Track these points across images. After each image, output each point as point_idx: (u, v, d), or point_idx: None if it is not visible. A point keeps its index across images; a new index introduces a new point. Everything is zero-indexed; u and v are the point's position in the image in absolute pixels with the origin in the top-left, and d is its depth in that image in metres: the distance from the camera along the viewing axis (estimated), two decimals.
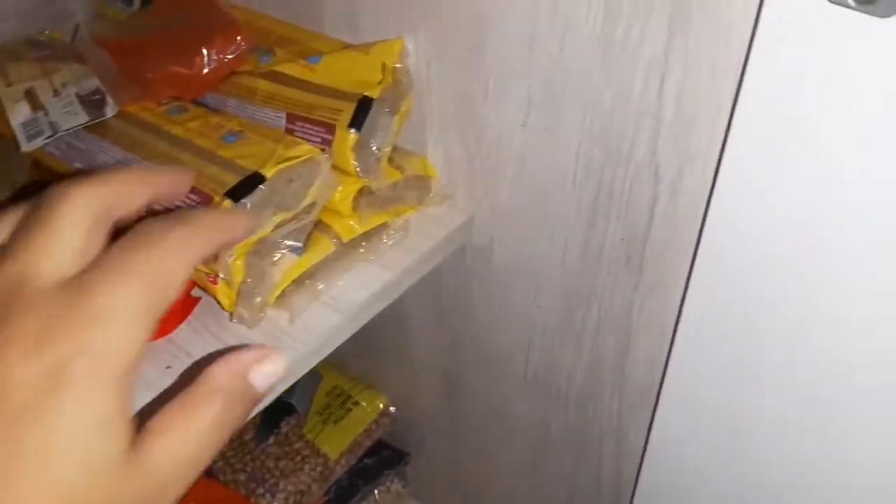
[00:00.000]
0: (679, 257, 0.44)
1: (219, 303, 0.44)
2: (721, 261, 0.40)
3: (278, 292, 0.45)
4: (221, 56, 0.50)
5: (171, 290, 0.21)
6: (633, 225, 0.45)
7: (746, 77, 0.34)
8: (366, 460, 0.80)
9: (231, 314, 0.44)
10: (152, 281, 0.21)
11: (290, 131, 0.49)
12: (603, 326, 0.52)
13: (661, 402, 0.48)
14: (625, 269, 0.48)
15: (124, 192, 0.23)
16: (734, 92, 0.36)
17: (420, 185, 0.54)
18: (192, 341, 0.45)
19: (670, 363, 0.45)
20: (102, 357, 0.20)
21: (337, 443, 0.75)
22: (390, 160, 0.52)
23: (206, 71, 0.50)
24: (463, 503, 0.82)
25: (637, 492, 0.55)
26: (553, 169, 0.47)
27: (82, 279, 0.20)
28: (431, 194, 0.55)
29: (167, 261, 0.21)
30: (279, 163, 0.44)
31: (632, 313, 0.49)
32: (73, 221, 0.21)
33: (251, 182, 0.43)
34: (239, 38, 0.51)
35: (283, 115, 0.49)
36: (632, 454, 0.56)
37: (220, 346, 0.44)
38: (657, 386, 0.50)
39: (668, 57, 0.38)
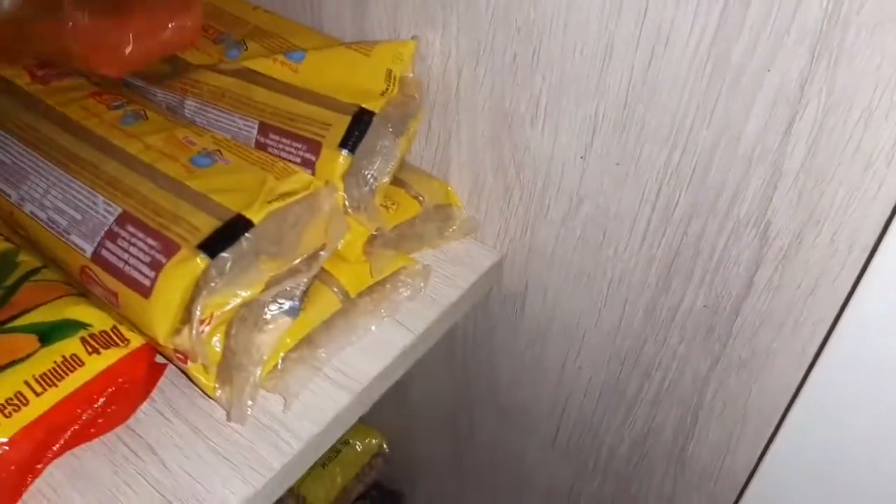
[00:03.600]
0: (780, 337, 0.35)
1: (194, 383, 0.34)
2: (858, 357, 0.30)
3: (269, 368, 0.34)
4: (161, 29, 0.38)
5: None
6: (724, 291, 0.36)
7: None
8: (357, 503, 0.71)
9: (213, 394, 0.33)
10: None
11: (261, 146, 0.38)
12: (664, 400, 0.42)
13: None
14: (704, 341, 0.38)
15: None
16: None
17: (441, 217, 0.44)
18: (155, 430, 0.34)
19: (764, 463, 0.36)
20: None
21: (324, 489, 0.66)
22: (407, 186, 0.42)
23: (129, 47, 0.38)
24: None
25: None
26: (620, 213, 0.37)
27: None
28: (453, 228, 0.44)
29: None
30: (270, 201, 0.33)
31: (705, 392, 0.40)
32: None
33: (233, 229, 0.32)
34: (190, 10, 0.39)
35: (255, 125, 0.38)
36: None
37: (197, 440, 0.34)
38: (729, 475, 0.41)
39: (804, 89, 0.28)
